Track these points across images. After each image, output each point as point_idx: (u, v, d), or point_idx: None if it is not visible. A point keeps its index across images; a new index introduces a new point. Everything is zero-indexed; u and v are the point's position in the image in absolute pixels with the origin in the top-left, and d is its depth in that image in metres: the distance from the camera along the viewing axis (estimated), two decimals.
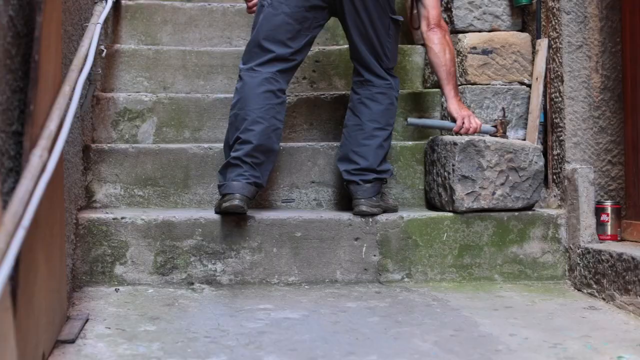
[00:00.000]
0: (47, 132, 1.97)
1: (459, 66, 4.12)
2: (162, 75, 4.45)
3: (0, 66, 1.89)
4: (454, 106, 3.74)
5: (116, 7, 4.73)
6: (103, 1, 3.77)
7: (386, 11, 3.61)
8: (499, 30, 4.17)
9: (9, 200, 1.78)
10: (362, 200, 3.56)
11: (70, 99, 2.34)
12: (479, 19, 4.17)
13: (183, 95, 4.17)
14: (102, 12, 3.56)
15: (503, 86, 4.04)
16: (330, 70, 4.54)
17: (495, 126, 3.79)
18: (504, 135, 3.76)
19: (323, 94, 4.25)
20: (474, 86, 4.03)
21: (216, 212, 3.46)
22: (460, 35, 4.15)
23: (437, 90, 4.34)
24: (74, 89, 2.42)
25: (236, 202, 3.31)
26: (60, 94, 2.27)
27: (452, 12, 4.19)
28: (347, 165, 3.64)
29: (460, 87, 4.05)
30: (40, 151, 1.83)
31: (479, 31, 4.17)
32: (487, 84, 4.05)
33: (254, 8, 3.79)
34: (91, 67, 2.83)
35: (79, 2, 3.32)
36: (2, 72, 1.91)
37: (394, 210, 3.65)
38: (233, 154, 3.41)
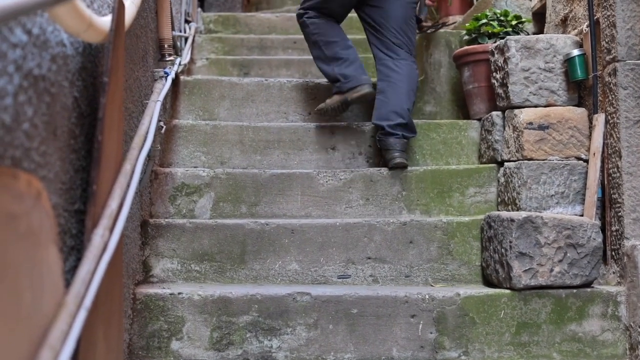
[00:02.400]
0: (109, 211, 2.00)
1: (515, 142, 4.11)
2: (220, 150, 4.50)
3: (65, 146, 1.93)
4: None
5: (175, 82, 4.80)
6: (163, 79, 3.84)
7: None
8: (555, 105, 4.15)
9: (70, 278, 1.80)
10: (399, 153, 4.33)
11: (131, 177, 2.38)
12: (535, 94, 4.17)
13: (240, 171, 4.20)
14: (162, 89, 3.63)
15: (560, 161, 4.02)
16: None
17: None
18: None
19: (379, 170, 4.27)
20: (531, 162, 4.00)
21: (349, 101, 4.53)
22: (516, 111, 4.14)
23: (493, 165, 4.34)
24: (134, 167, 2.46)
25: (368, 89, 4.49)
26: (121, 172, 2.31)
27: (507, 87, 4.19)
28: (387, 122, 4.40)
29: (516, 162, 4.05)
30: (102, 230, 1.86)
31: (535, 106, 4.16)
32: (543, 160, 4.03)
33: None
34: (151, 144, 2.88)
35: (139, 80, 3.38)
36: (66, 152, 1.95)
37: None
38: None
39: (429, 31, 5.23)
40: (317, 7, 4.71)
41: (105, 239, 1.86)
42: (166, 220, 3.83)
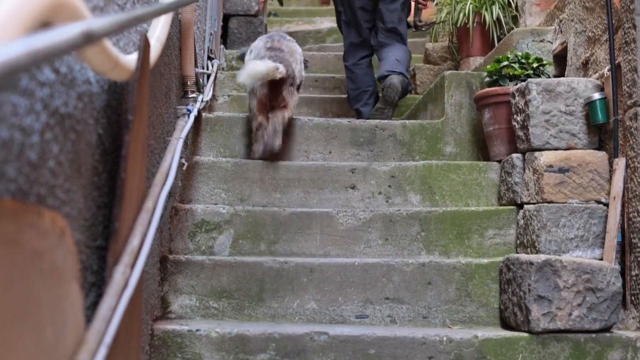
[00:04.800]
0: (130, 248, 2.01)
1: (535, 184, 4.11)
2: (240, 187, 4.52)
3: (88, 183, 1.95)
4: None
5: (197, 119, 4.82)
6: (185, 116, 3.87)
7: None
8: (576, 149, 4.15)
9: (91, 314, 1.82)
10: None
11: (152, 214, 2.40)
12: (555, 137, 4.17)
13: (260, 209, 4.21)
14: (184, 126, 3.66)
15: (580, 205, 4.01)
16: (406, 185, 4.57)
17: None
18: None
19: (398, 210, 4.27)
20: (550, 204, 4.00)
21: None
22: (536, 154, 4.15)
23: (512, 207, 4.33)
24: (156, 204, 2.48)
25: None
26: (143, 209, 2.33)
27: (528, 129, 4.20)
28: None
29: (536, 205, 4.04)
30: (123, 268, 1.88)
31: (556, 149, 4.15)
32: (563, 203, 4.02)
33: None
34: (172, 181, 2.90)
35: (162, 117, 3.41)
36: (89, 189, 1.97)
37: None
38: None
39: (424, 29, 6.88)
40: (350, 39, 6.29)
41: (126, 276, 1.88)
42: (185, 256, 3.84)
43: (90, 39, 1.22)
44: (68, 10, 1.37)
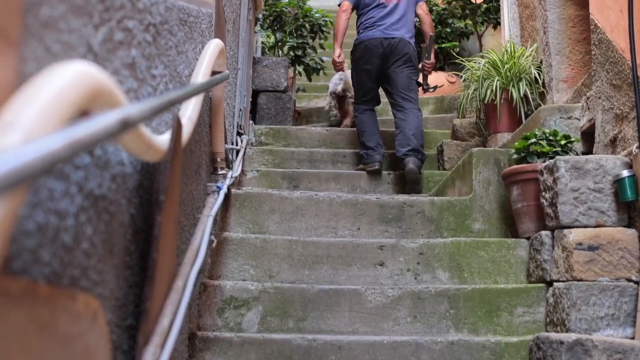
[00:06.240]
0: (160, 328, 2.02)
1: (564, 262, 4.09)
2: (269, 263, 4.52)
3: (120, 263, 1.97)
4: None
5: (226, 195, 4.85)
6: (215, 193, 3.90)
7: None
8: (605, 226, 4.13)
9: None
10: (412, 165, 6.38)
11: (183, 293, 2.41)
12: (584, 215, 4.16)
13: (288, 285, 4.21)
14: (214, 204, 3.69)
15: (610, 283, 3.98)
16: (435, 262, 4.57)
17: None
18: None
19: (427, 287, 4.26)
20: (580, 282, 3.97)
21: (367, 171, 6.65)
22: (565, 231, 4.13)
23: (542, 285, 4.30)
24: (186, 283, 2.49)
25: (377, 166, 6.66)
26: (173, 288, 2.34)
27: (557, 207, 4.19)
28: (400, 151, 6.60)
29: (565, 283, 4.01)
30: (154, 348, 1.89)
31: (584, 227, 4.14)
32: (593, 281, 3.99)
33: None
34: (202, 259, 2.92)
35: (192, 194, 3.44)
36: (121, 268, 1.99)
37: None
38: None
39: (430, 90, 7.57)
40: (359, 95, 7.20)
41: (156, 357, 1.88)
42: (214, 333, 3.84)
43: (127, 126, 1.25)
44: (105, 97, 1.40)
